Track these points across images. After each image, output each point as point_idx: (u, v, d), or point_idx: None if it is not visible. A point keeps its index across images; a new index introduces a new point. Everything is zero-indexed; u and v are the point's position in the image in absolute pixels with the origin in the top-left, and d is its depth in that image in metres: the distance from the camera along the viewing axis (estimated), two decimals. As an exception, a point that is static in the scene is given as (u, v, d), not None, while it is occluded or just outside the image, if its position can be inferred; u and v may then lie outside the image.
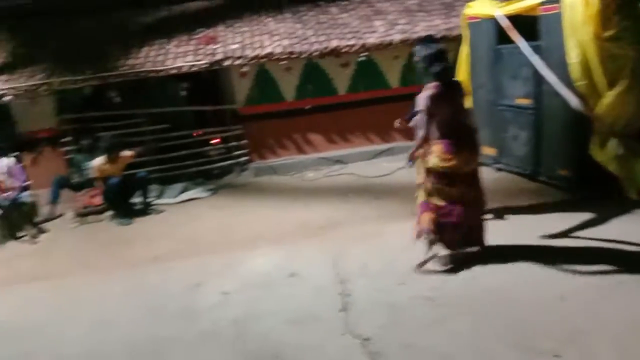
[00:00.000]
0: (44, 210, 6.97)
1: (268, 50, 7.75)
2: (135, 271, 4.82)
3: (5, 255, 5.88)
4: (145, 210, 6.82)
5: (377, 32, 8.07)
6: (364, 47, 7.83)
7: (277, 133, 8.39)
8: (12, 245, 6.17)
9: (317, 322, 3.38)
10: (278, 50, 7.75)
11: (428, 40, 3.94)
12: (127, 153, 6.75)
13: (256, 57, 7.68)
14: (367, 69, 8.17)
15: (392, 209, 5.65)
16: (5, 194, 6.38)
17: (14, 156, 6.94)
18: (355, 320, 3.32)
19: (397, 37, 7.88)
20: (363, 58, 7.95)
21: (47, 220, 6.84)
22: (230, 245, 5.25)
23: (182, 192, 7.43)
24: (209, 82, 8.26)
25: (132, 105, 7.75)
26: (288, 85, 8.24)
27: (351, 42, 7.86)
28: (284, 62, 7.76)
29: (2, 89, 7.13)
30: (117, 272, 4.87)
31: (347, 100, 8.38)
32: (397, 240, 4.58)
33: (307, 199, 6.64)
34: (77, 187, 7.12)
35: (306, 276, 4.14)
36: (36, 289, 4.67)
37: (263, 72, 8.09)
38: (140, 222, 6.52)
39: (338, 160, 8.26)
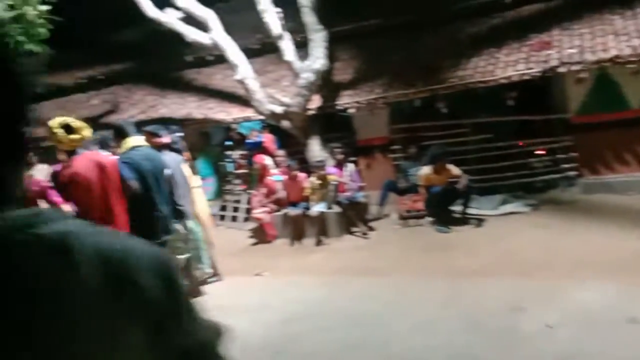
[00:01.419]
0: (373, 210, 7.83)
1: (613, 52, 6.84)
2: (453, 280, 4.94)
3: (343, 246, 6.85)
4: (464, 219, 6.93)
5: None
6: None
7: (617, 145, 7.35)
8: (347, 238, 7.14)
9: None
10: (626, 52, 6.76)
11: None
12: (454, 169, 6.93)
13: (598, 61, 6.87)
14: None
15: None
16: (345, 194, 7.41)
17: (353, 161, 8.01)
18: None
19: None
20: None
21: (375, 219, 7.65)
22: (552, 270, 4.86)
23: (501, 204, 7.26)
24: (538, 89, 7.82)
25: (458, 116, 7.97)
26: (635, 90, 7.12)
27: None
28: (633, 65, 6.72)
29: (347, 103, 8.28)
30: (436, 278, 5.08)
31: None
32: None
33: (652, 226, 5.63)
34: (402, 192, 7.73)
35: (652, 324, 3.50)
36: (368, 282, 5.27)
37: (603, 77, 7.19)
38: (458, 231, 6.66)
39: (699, 182, 6.73)
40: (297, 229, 7.14)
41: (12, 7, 6.58)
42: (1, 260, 0.59)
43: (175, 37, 8.52)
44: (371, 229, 7.30)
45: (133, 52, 11.54)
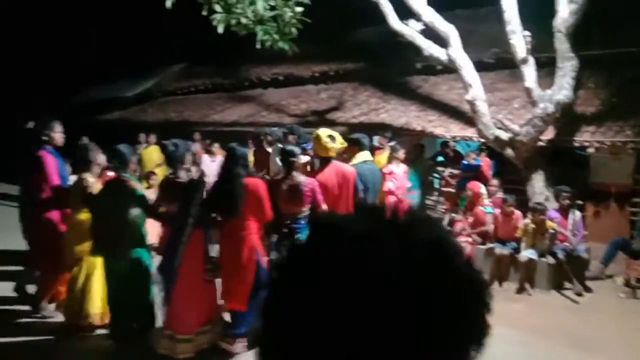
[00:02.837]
0: (593, 267, 6.81)
1: None
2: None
3: (549, 301, 6.10)
4: None
5: None
6: None
7: None
8: (555, 293, 6.34)
9: None
10: None
11: None
12: None
13: None
14: None
15: None
16: (563, 244, 6.57)
17: (579, 207, 7.04)
18: None
19: None
20: None
21: (594, 278, 6.65)
22: None
23: None
24: None
25: None
26: None
27: None
28: None
29: (587, 141, 7.27)
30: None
31: None
32: None
33: None
34: (636, 255, 6.55)
35: None
36: (574, 356, 4.57)
37: None
38: None
39: None
40: (499, 270, 6.57)
41: (273, 7, 7.24)
42: None
43: (408, 43, 8.47)
44: (587, 289, 6.35)
45: (365, 52, 11.93)
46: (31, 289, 5.38)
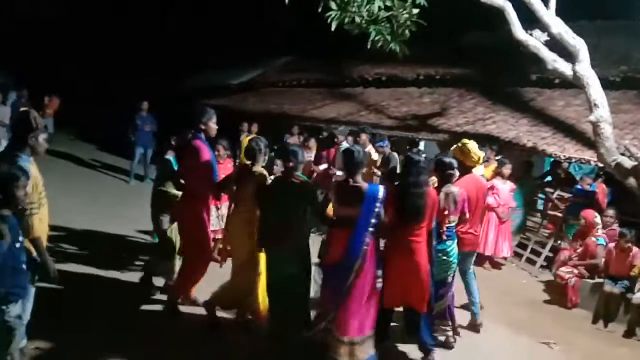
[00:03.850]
0: None
1: None
2: None
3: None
4: None
5: None
6: None
7: None
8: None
9: None
10: None
11: None
12: None
13: None
14: None
15: None
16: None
17: None
18: None
19: None
20: None
21: None
22: None
23: None
24: None
25: None
26: None
27: None
28: None
29: None
30: None
31: None
32: None
33: None
34: None
35: None
36: None
37: None
38: None
39: None
40: (607, 309, 6.00)
41: (389, 8, 7.07)
42: None
43: (526, 54, 7.92)
44: None
45: (476, 58, 11.40)
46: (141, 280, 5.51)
